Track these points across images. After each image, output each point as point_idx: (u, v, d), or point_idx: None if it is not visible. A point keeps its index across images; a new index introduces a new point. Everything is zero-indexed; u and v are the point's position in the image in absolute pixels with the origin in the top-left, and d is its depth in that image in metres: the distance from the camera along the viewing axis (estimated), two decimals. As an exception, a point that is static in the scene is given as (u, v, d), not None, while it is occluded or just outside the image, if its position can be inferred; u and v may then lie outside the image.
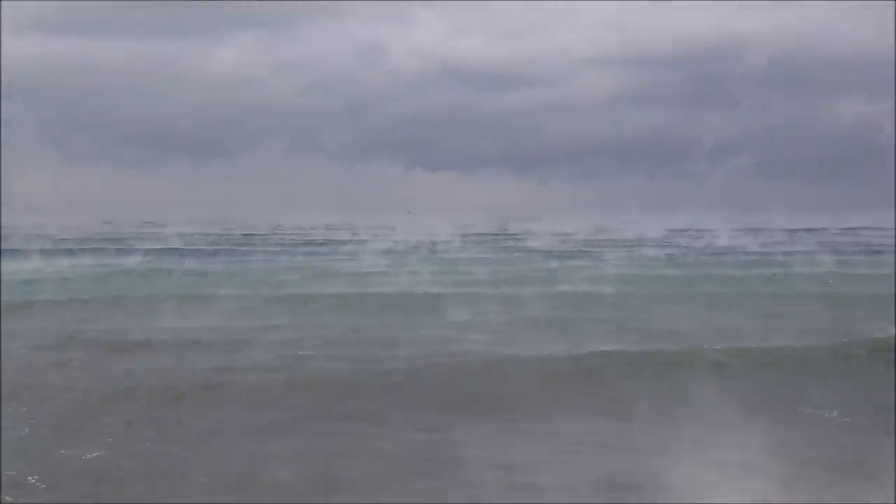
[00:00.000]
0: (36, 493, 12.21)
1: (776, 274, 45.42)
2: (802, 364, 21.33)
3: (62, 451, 14.05)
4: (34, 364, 20.76)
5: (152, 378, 19.16)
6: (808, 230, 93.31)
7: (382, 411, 17.28)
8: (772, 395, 19.02)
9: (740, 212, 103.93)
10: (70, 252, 62.08)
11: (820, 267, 51.55)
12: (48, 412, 16.50)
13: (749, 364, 21.32)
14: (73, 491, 12.43)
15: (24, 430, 15.25)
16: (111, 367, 20.56)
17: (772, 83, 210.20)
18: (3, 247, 66.19)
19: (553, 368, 20.69)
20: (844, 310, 31.03)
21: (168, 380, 19.04)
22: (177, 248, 68.23)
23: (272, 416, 16.71)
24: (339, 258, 59.32)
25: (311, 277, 43.22)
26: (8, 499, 11.84)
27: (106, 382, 18.83)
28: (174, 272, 48.03)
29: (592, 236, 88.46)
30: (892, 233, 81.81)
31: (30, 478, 12.68)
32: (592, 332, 25.79)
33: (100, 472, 13.23)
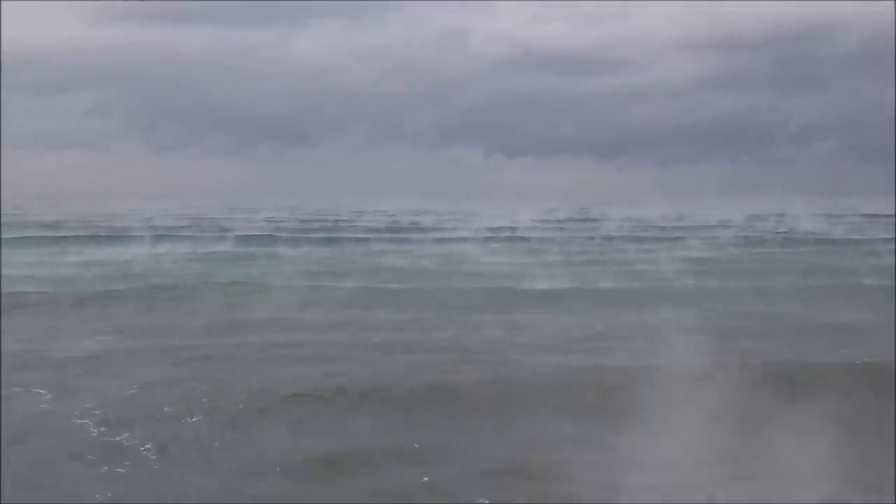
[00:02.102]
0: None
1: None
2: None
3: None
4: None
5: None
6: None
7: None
8: None
9: (826, 196, 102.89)
10: (173, 237, 65.13)
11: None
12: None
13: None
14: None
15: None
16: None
17: (862, 66, 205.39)
18: (104, 234, 70.18)
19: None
20: None
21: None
22: (277, 236, 69.60)
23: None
24: (446, 246, 59.51)
25: (440, 270, 42.63)
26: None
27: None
28: (305, 259, 49.25)
29: (677, 222, 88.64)
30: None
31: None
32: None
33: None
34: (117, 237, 65.30)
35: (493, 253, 53.00)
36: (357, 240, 67.18)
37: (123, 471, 13.10)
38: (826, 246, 62.72)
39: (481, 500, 12.18)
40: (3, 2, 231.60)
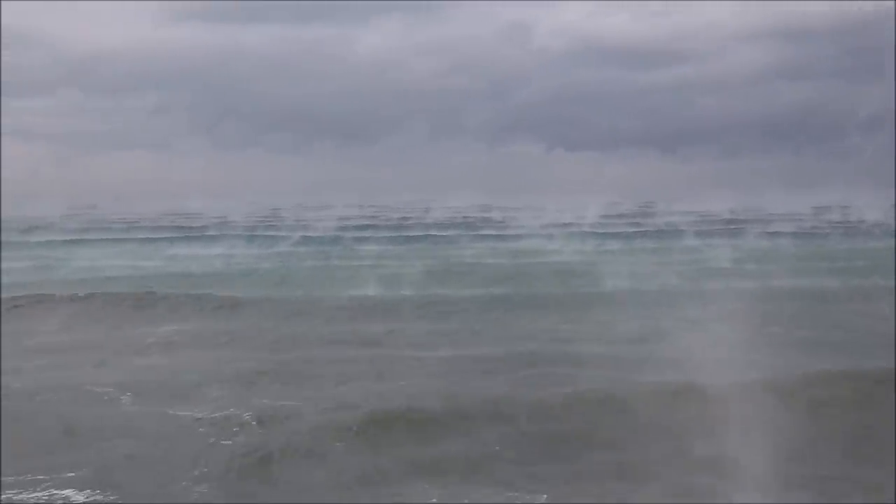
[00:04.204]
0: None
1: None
2: None
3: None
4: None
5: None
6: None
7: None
8: None
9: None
10: (261, 237, 67.10)
11: None
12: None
13: None
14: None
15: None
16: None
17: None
18: (189, 234, 72.61)
19: None
20: None
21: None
22: (364, 236, 69.75)
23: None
24: (531, 243, 59.06)
25: (546, 271, 41.75)
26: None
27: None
28: (406, 259, 49.02)
29: (745, 215, 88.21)
30: None
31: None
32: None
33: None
34: (217, 237, 67.02)
35: (589, 252, 52.55)
36: (444, 238, 67.78)
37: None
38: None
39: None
40: (81, 2, 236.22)
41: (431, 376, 19.60)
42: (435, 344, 23.65)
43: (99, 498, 12.47)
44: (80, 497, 12.48)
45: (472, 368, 20.48)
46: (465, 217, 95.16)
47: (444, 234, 72.56)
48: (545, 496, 12.74)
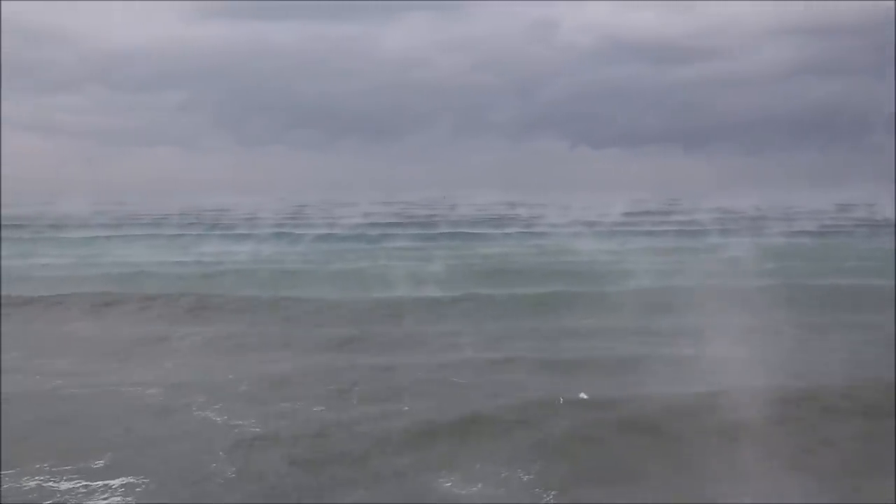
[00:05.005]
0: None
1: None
2: None
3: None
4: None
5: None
6: None
7: None
8: None
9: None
10: (282, 235, 67.44)
11: None
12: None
13: None
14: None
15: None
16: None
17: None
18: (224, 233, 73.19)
19: None
20: None
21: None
22: (392, 233, 69.53)
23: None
24: (562, 240, 58.49)
25: (589, 269, 41.50)
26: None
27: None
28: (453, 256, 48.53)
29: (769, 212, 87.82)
30: None
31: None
32: None
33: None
34: (247, 235, 67.07)
35: (624, 251, 51.87)
36: (474, 236, 67.64)
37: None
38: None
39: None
40: (109, 1, 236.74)
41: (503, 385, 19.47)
42: (502, 346, 23.59)
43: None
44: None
45: (568, 370, 20.45)
46: (491, 214, 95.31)
47: (473, 231, 72.93)
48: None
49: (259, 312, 29.55)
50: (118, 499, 12.81)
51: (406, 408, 17.19)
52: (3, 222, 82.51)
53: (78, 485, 13.31)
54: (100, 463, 14.15)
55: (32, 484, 13.31)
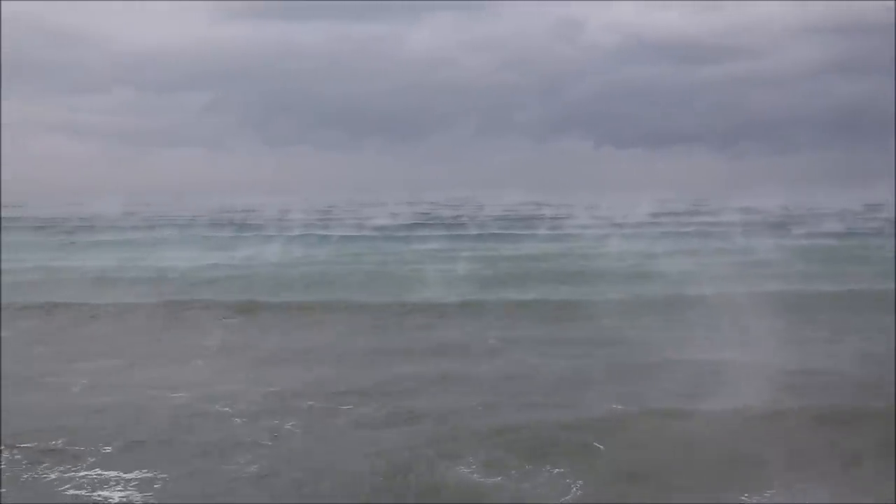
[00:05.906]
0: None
1: None
2: None
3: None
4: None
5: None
6: None
7: None
8: None
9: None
10: (311, 236, 67.52)
11: None
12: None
13: None
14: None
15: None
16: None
17: None
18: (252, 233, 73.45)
19: None
20: None
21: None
22: (425, 235, 69.81)
23: None
24: (595, 242, 57.93)
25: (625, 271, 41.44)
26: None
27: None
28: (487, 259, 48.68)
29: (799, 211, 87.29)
30: None
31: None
32: None
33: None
34: (275, 236, 66.98)
35: (659, 254, 51.11)
36: (504, 237, 67.49)
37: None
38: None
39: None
40: (136, 2, 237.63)
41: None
42: (560, 353, 23.53)
43: None
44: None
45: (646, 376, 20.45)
46: (519, 214, 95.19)
47: (502, 232, 72.96)
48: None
49: (359, 316, 29.58)
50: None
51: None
52: (33, 224, 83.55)
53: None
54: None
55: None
